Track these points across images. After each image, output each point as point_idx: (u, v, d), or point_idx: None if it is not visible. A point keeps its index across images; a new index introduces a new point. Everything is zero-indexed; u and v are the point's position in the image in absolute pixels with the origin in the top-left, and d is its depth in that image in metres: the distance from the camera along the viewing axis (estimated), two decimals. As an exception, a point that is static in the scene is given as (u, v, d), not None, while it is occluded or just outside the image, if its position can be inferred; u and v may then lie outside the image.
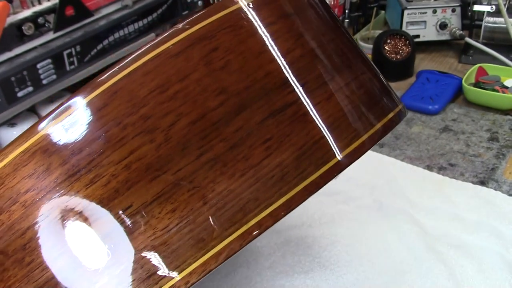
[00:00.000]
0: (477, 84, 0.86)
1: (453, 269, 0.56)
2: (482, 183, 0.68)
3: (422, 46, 1.02)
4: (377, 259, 0.58)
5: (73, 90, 0.92)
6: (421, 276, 0.55)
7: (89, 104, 0.33)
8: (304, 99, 0.34)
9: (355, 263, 0.57)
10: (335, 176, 0.34)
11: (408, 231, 0.61)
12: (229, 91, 0.33)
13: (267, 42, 0.35)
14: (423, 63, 0.99)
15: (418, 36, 1.01)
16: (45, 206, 0.33)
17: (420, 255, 0.58)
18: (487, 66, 0.89)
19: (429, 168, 0.72)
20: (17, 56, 0.80)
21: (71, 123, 0.33)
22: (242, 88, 0.33)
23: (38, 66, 0.82)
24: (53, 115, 0.33)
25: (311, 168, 0.33)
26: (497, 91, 0.83)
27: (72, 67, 0.86)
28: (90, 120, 0.32)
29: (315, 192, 0.33)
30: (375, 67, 0.41)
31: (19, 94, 0.80)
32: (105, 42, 0.91)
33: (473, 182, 0.68)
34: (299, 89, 0.35)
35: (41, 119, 0.33)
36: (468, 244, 0.59)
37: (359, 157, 0.35)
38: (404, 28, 1.01)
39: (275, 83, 0.34)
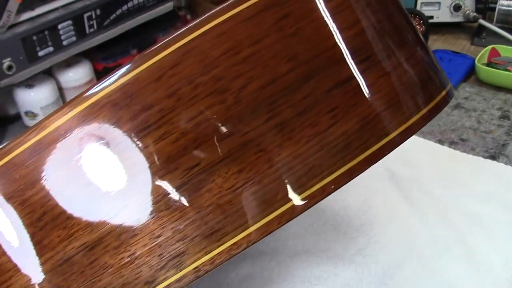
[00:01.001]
0: (489, 65, 0.88)
1: (463, 236, 0.58)
2: (493, 157, 0.70)
3: (435, 28, 1.03)
4: (388, 225, 0.60)
5: (90, 55, 0.91)
6: (431, 241, 0.57)
7: (162, 61, 0.33)
8: (369, 71, 0.35)
9: (366, 228, 0.59)
10: (393, 149, 0.35)
11: (419, 199, 0.63)
12: (298, 59, 0.34)
13: (336, 12, 0.35)
14: (436, 44, 1.01)
15: (431, 17, 1.02)
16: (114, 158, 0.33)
17: (430, 222, 0.60)
18: (500, 47, 0.91)
19: (440, 142, 0.74)
20: (39, 15, 0.80)
21: (142, 79, 0.33)
22: (311, 56, 0.34)
23: (59, 27, 0.81)
24: (123, 70, 0.33)
25: (373, 140, 0.34)
26: (510, 71, 0.85)
27: (92, 30, 0.86)
28: (162, 78, 0.33)
29: (375, 163, 0.34)
30: (426, 44, 0.42)
31: (40, 54, 0.79)
32: (124, 8, 0.90)
33: (483, 157, 0.70)
34: (364, 62, 0.35)
35: (110, 73, 0.33)
36: (478, 213, 0.61)
37: (412, 135, 0.37)
38: (418, 9, 1.02)
39: (342, 54, 0.35)
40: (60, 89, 0.90)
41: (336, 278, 0.54)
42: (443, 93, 0.39)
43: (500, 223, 0.59)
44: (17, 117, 0.94)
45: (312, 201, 0.33)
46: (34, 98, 0.85)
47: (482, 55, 0.89)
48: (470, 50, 0.99)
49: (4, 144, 0.35)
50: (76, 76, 0.89)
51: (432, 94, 0.39)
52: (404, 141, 0.35)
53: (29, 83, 0.84)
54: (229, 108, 0.33)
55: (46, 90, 0.86)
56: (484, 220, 0.60)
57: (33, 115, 0.87)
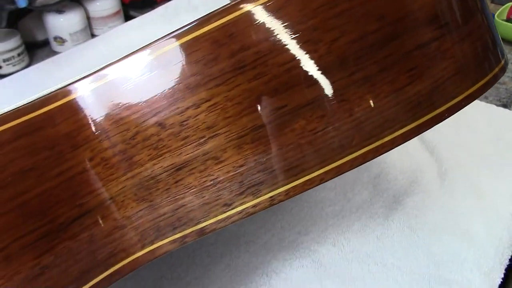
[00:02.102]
0: (508, 20, 0.92)
1: (471, 173, 0.64)
2: (505, 106, 0.77)
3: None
4: (398, 158, 0.66)
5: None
6: (439, 176, 0.64)
7: (265, 5, 0.35)
8: (445, 38, 0.38)
9: (379, 160, 0.65)
10: (456, 112, 0.39)
11: (431, 136, 0.68)
12: (386, 19, 0.36)
13: (423, -22, 0.38)
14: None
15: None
16: (206, 92, 0.36)
17: (439, 157, 0.66)
18: (519, 5, 0.96)
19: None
20: None
21: (244, 21, 0.35)
22: (397, 17, 0.37)
23: None
24: (226, 10, 0.35)
25: (441, 101, 0.38)
26: (527, 27, 0.90)
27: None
28: (262, 21, 0.35)
29: (439, 123, 0.38)
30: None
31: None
32: None
33: (496, 105, 0.77)
34: (442, 28, 0.38)
35: (213, 12, 0.36)
36: (487, 154, 0.67)
37: (474, 100, 0.40)
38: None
39: (425, 18, 0.37)
40: (88, 18, 0.91)
41: (348, 203, 0.60)
42: (502, 62, 0.43)
43: (507, 163, 0.65)
44: (46, 43, 0.95)
45: (382, 150, 0.37)
46: (64, 24, 0.87)
47: (502, 11, 0.95)
48: (490, 7, 1.03)
49: (107, 64, 0.37)
50: (103, 6, 0.91)
51: (494, 62, 0.42)
52: (467, 105, 0.39)
53: (59, 9, 0.85)
54: (321, 58, 0.36)
55: (76, 17, 0.87)
56: (493, 160, 0.66)
57: (62, 40, 0.89)
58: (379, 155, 0.37)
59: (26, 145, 0.36)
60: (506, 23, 0.91)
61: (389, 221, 0.60)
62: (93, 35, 0.96)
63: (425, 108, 0.38)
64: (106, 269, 0.38)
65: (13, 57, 0.86)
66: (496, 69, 0.42)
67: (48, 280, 0.35)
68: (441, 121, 0.38)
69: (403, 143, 0.37)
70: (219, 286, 0.54)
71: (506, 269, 0.55)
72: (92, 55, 0.87)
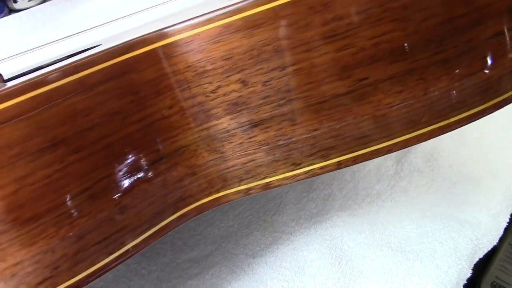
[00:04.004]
0: None
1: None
2: None
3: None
4: None
5: None
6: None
7: (363, -22, 0.36)
8: (519, 28, 0.40)
9: None
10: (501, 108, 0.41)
11: None
12: (473, 4, 0.38)
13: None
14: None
15: None
16: (294, 56, 0.37)
17: None
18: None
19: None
20: None
21: (340, -10, 0.36)
22: (483, 4, 0.38)
23: None
24: (324, -24, 0.36)
25: (505, 89, 0.40)
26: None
27: None
28: (357, -7, 0.36)
29: (499, 109, 0.41)
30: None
31: None
32: None
33: None
34: (518, 18, 0.40)
35: (310, -24, 0.36)
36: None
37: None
38: None
39: (506, 7, 0.39)
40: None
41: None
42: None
43: None
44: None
45: (447, 129, 0.39)
46: None
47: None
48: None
49: (195, 16, 0.37)
50: None
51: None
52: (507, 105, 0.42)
53: None
54: (408, 37, 0.37)
55: None
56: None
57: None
58: (443, 134, 0.40)
59: (113, 88, 0.36)
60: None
61: (402, 162, 0.63)
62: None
63: (492, 94, 0.40)
64: (175, 212, 0.40)
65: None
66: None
67: (126, 220, 0.37)
68: (500, 108, 0.41)
69: (466, 124, 0.40)
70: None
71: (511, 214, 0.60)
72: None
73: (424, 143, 0.58)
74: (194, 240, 0.57)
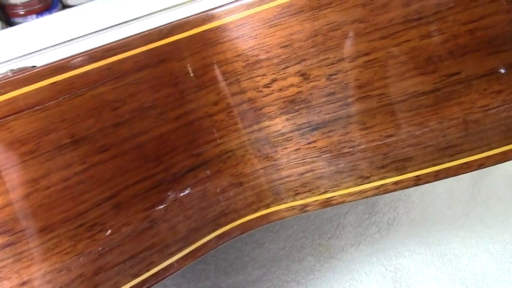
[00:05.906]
0: None
1: None
2: None
3: None
4: None
5: None
6: None
7: None
8: None
9: None
10: None
11: None
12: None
13: None
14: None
15: None
16: (367, 43, 0.30)
17: None
18: None
19: None
20: None
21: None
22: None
23: None
24: None
25: None
26: None
27: None
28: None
29: None
30: None
31: None
32: None
33: None
34: None
35: None
36: None
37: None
38: None
39: None
40: None
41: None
42: None
43: None
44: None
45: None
46: None
47: None
48: None
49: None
50: None
51: None
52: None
53: None
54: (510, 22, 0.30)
55: None
56: None
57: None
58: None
59: (148, 78, 0.30)
60: None
61: (479, 186, 0.55)
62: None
63: None
64: (215, 230, 0.33)
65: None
66: None
67: (155, 236, 0.31)
68: None
69: None
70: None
71: None
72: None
73: (507, 163, 0.50)
74: (241, 262, 0.51)
